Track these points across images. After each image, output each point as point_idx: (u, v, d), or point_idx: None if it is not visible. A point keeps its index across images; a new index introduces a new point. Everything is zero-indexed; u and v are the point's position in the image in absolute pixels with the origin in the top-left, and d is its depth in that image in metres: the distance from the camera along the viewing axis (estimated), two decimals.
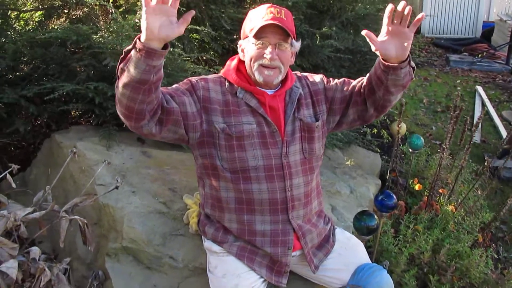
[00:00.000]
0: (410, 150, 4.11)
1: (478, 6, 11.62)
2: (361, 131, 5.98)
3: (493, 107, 7.69)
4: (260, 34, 2.15)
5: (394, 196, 2.97)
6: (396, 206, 3.12)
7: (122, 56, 1.86)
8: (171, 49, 3.11)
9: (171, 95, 2.11)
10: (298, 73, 2.50)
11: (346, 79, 2.48)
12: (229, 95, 2.28)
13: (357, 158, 4.55)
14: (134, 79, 1.81)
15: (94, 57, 3.24)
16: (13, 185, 2.16)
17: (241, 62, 2.33)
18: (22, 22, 4.05)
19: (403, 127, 4.24)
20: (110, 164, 2.94)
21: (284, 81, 2.33)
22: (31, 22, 4.13)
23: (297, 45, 2.27)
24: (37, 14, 4.31)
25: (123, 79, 1.85)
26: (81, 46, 3.24)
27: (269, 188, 2.24)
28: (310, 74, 2.53)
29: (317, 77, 2.49)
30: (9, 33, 3.67)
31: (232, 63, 2.34)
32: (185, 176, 3.01)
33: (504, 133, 6.64)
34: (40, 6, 4.25)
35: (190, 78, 2.28)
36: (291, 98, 2.35)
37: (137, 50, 1.78)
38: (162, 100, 2.02)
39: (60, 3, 4.15)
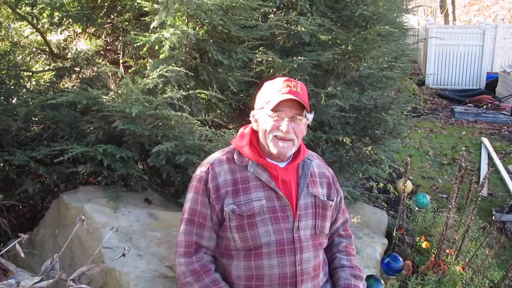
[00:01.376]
0: (416, 208, 4.11)
1: (481, 57, 11.78)
2: (367, 185, 6.00)
3: (500, 159, 7.70)
4: (277, 107, 2.21)
5: (401, 259, 2.96)
6: (403, 268, 3.11)
7: None
8: (179, 113, 3.18)
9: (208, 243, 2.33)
10: (315, 154, 2.57)
11: (341, 215, 2.61)
12: (237, 173, 2.30)
13: (364, 215, 4.55)
14: None
15: (103, 119, 3.31)
16: (22, 255, 2.17)
17: (253, 134, 2.37)
18: (34, 82, 4.15)
19: (409, 185, 4.26)
20: (117, 228, 2.95)
21: (296, 154, 2.37)
22: (42, 82, 4.23)
23: (310, 117, 2.32)
24: (48, 75, 4.42)
25: None
26: (92, 109, 3.31)
27: (279, 263, 2.24)
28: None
29: (331, 170, 2.57)
30: (21, 94, 3.77)
31: (245, 137, 2.37)
32: None
33: (511, 186, 6.62)
34: (52, 66, 4.37)
35: (198, 175, 2.34)
36: (304, 171, 2.38)
37: None
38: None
39: (72, 63, 4.27)
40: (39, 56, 4.44)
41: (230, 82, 3.61)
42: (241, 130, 2.43)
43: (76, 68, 4.30)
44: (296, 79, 4.33)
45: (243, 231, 2.24)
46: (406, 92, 5.62)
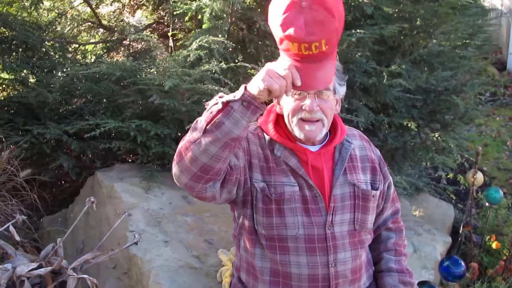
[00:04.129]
0: (487, 204, 3.60)
1: None
2: (435, 174, 5.45)
3: None
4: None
5: (463, 263, 2.54)
6: (465, 273, 2.67)
7: (214, 108, 1.58)
8: (218, 88, 2.86)
9: None
10: (359, 132, 2.15)
11: (390, 205, 2.18)
12: (267, 150, 1.95)
13: (427, 208, 4.08)
14: (230, 136, 1.56)
15: (140, 93, 3.05)
16: (17, 238, 1.94)
17: (280, 114, 2.01)
18: (80, 55, 3.96)
19: (480, 177, 3.74)
20: (146, 211, 2.69)
21: (333, 135, 1.98)
22: (89, 54, 4.04)
23: (342, 90, 1.93)
24: (98, 47, 4.23)
25: (213, 136, 1.56)
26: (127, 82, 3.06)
27: (309, 262, 1.88)
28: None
29: (378, 151, 2.16)
30: (65, 66, 3.58)
31: (270, 114, 2.02)
32: (225, 226, 2.71)
33: None
34: (100, 39, 4.17)
35: None
36: (342, 156, 1.99)
37: (244, 103, 1.55)
38: None
39: (120, 36, 4.05)
40: (87, 28, 4.23)
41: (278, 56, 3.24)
42: (268, 107, 2.06)
43: (125, 42, 4.07)
44: (357, 56, 3.96)
45: (269, 216, 1.89)
46: (481, 74, 5.04)
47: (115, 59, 4.03)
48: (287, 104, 1.88)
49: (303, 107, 1.83)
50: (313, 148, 1.94)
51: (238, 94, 1.56)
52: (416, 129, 4.28)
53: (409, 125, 4.27)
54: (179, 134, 2.98)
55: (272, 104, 2.04)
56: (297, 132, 1.88)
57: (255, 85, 1.53)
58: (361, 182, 2.00)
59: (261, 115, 1.99)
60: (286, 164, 1.92)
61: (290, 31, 1.53)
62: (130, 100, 3.07)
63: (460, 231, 3.95)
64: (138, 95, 3.06)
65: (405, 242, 2.23)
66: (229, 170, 1.76)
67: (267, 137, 1.97)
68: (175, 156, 1.67)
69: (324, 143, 1.97)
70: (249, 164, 1.90)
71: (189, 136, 1.61)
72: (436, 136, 4.21)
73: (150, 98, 3.01)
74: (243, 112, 1.55)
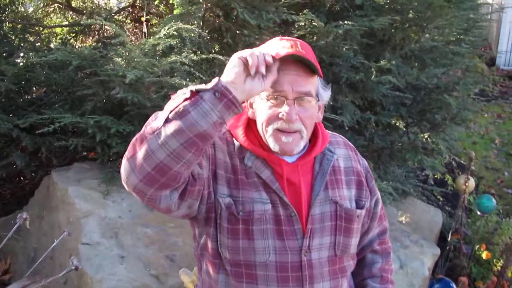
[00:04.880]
0: (479, 213, 3.30)
1: None
2: (423, 174, 5.12)
3: None
4: (273, 85, 1.48)
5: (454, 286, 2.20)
6: None
7: (180, 97, 1.31)
8: (187, 82, 2.50)
9: None
10: (343, 139, 1.82)
11: (376, 224, 1.85)
12: (236, 159, 1.61)
13: (414, 214, 3.78)
14: (196, 129, 1.28)
15: (101, 85, 2.68)
16: None
17: (252, 118, 1.66)
18: (44, 39, 3.55)
19: (471, 183, 3.43)
20: (102, 219, 2.34)
21: (313, 143, 1.65)
22: (56, 40, 3.64)
23: (326, 96, 1.59)
24: (66, 31, 3.83)
25: (175, 126, 1.28)
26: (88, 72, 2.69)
27: None
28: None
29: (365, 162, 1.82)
30: (24, 51, 3.18)
31: (241, 117, 1.66)
32: (191, 239, 2.35)
33: None
34: (68, 22, 3.78)
35: None
36: (322, 168, 1.66)
37: (216, 94, 1.30)
38: None
39: (89, 19, 3.65)
40: (56, 10, 3.83)
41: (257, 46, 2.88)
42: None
43: (93, 26, 3.68)
44: (344, 49, 3.61)
45: (235, 239, 1.56)
46: (474, 71, 4.71)
47: (81, 45, 3.65)
48: (261, 109, 1.54)
49: (280, 115, 1.49)
50: (290, 159, 1.60)
51: (210, 84, 1.31)
52: (404, 129, 3.95)
53: (397, 124, 3.95)
54: None
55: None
56: (271, 144, 1.54)
57: (228, 67, 1.35)
58: (344, 200, 1.67)
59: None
60: (258, 176, 1.59)
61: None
62: (91, 92, 2.70)
63: (449, 238, 3.64)
64: (99, 87, 2.69)
65: (392, 267, 1.90)
66: (191, 180, 1.43)
67: (236, 143, 1.63)
68: (126, 152, 1.35)
69: (302, 153, 1.63)
70: (213, 175, 1.56)
71: (147, 127, 1.32)
72: (426, 136, 3.89)
73: (113, 90, 2.64)
74: (214, 103, 1.29)
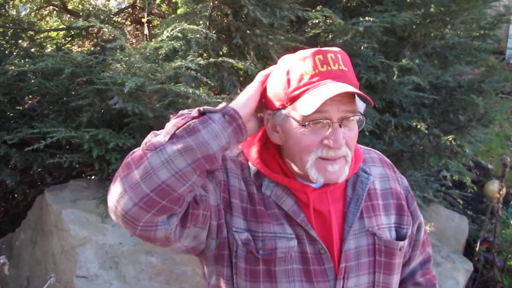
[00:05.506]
0: None
1: None
2: (439, 175, 4.77)
3: None
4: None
5: None
6: None
7: (186, 116, 1.14)
8: (193, 90, 2.18)
9: None
10: (379, 155, 1.50)
11: (419, 252, 1.52)
12: (253, 186, 1.30)
13: (438, 222, 3.45)
14: (206, 149, 1.11)
15: (98, 94, 2.36)
16: None
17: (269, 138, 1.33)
18: (39, 45, 3.23)
19: (504, 190, 3.10)
20: (100, 247, 2.02)
21: None
22: (51, 46, 3.32)
23: (362, 107, 1.27)
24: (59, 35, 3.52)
25: (183, 143, 1.10)
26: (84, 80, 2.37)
27: None
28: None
29: (405, 180, 1.49)
30: (15, 57, 2.86)
31: (256, 136, 1.34)
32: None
33: None
34: (64, 25, 3.46)
35: None
36: (356, 193, 1.34)
37: (226, 117, 1.15)
38: None
39: (86, 22, 3.33)
40: (51, 13, 3.52)
41: (271, 48, 2.56)
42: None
43: (91, 29, 3.36)
44: (361, 48, 3.28)
45: (255, 281, 1.27)
46: (485, 67, 4.35)
47: (78, 51, 3.34)
48: (296, 135, 1.22)
49: (325, 142, 1.19)
50: (316, 184, 1.29)
51: (218, 107, 1.17)
52: (426, 131, 3.62)
53: (418, 126, 3.62)
54: None
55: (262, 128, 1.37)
56: (314, 175, 1.23)
57: (242, 94, 1.23)
58: (383, 229, 1.36)
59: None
60: (279, 207, 1.28)
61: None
62: (86, 102, 2.38)
63: (477, 248, 3.32)
64: (96, 97, 2.38)
65: None
66: (192, 203, 1.17)
67: (252, 168, 1.31)
68: (117, 173, 1.13)
69: None
70: (227, 204, 1.27)
71: (146, 144, 1.12)
72: (449, 139, 3.55)
73: (111, 100, 2.33)
74: (224, 126, 1.13)
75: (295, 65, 1.21)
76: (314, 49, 1.21)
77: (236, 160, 1.33)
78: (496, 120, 3.54)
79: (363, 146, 1.46)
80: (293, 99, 1.20)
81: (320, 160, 1.20)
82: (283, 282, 1.26)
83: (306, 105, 1.16)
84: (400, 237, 1.39)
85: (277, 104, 1.23)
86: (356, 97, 1.23)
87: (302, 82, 1.19)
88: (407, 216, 1.43)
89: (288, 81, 1.20)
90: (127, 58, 2.30)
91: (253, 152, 1.31)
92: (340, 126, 1.19)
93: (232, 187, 1.27)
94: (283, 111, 1.22)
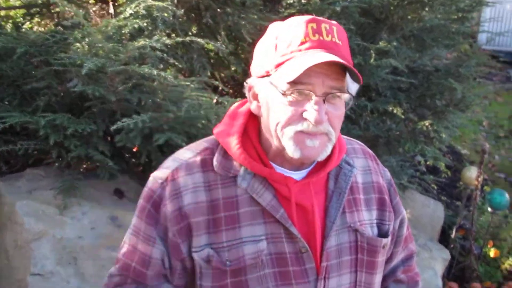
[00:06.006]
0: (490, 209, 2.88)
1: None
2: (413, 159, 4.68)
3: None
4: (299, 77, 1.04)
5: None
6: None
7: None
8: (159, 72, 2.00)
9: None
10: (361, 146, 1.37)
11: (401, 249, 1.41)
12: (218, 190, 1.16)
13: (414, 209, 3.36)
14: None
15: (56, 76, 2.17)
16: None
17: (251, 119, 1.20)
18: None
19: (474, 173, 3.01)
20: (57, 241, 1.85)
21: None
22: (8, 24, 3.08)
23: (354, 89, 1.15)
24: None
25: None
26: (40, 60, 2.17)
27: None
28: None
29: (388, 173, 1.37)
30: None
31: (236, 122, 1.20)
32: None
33: None
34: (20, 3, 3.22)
35: (148, 189, 1.21)
36: (339, 186, 1.22)
37: None
38: None
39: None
40: None
41: (243, 28, 2.39)
42: (232, 107, 1.26)
43: (53, 6, 3.12)
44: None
45: None
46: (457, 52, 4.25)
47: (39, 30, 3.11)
48: (276, 105, 1.10)
49: (305, 115, 1.06)
50: (297, 175, 1.16)
51: None
52: (402, 116, 3.51)
53: (394, 111, 3.51)
54: (111, 129, 2.10)
55: (242, 101, 1.24)
56: (290, 149, 1.10)
57: None
58: (365, 225, 1.23)
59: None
60: (254, 203, 1.14)
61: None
62: (43, 85, 2.18)
63: (453, 235, 3.24)
64: (54, 79, 2.17)
65: None
66: None
67: (219, 161, 1.17)
68: None
69: (312, 166, 1.18)
70: (182, 230, 1.15)
71: None
72: (426, 124, 3.44)
73: (70, 83, 2.13)
74: None
75: (285, 30, 1.09)
76: (309, 16, 1.10)
77: (194, 163, 1.18)
78: (474, 105, 3.43)
79: (345, 136, 1.33)
80: (278, 66, 1.08)
81: (299, 133, 1.07)
82: None
83: (289, 72, 1.04)
84: (382, 234, 1.27)
85: (262, 71, 1.12)
86: (348, 77, 1.10)
87: (290, 49, 1.07)
88: (389, 212, 1.30)
89: (276, 47, 1.09)
90: (87, 38, 2.10)
91: (232, 139, 1.16)
92: (324, 102, 1.06)
93: (188, 209, 1.13)
94: (267, 79, 1.10)
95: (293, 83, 1.05)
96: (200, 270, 1.14)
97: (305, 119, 1.07)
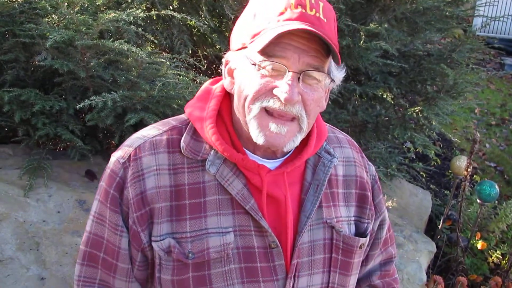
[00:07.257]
0: (479, 201, 2.78)
1: None
2: (404, 147, 4.58)
3: None
4: (272, 48, 0.96)
5: None
6: None
7: None
8: (131, 47, 1.86)
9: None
10: (346, 137, 1.26)
11: (379, 251, 1.31)
12: (183, 174, 1.06)
13: (401, 198, 3.26)
14: None
15: (24, 48, 2.02)
16: None
17: (226, 99, 1.09)
18: None
19: (464, 164, 2.91)
20: (19, 225, 1.73)
21: (304, 142, 1.10)
22: None
23: (339, 77, 1.04)
24: None
25: None
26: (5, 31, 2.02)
27: None
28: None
29: (373, 168, 1.26)
30: None
31: (210, 102, 1.10)
32: None
33: None
34: None
35: (109, 169, 1.11)
36: (317, 177, 1.13)
37: None
38: None
39: None
40: None
41: (226, 4, 2.25)
42: (205, 85, 1.14)
43: None
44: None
45: None
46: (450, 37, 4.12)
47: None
48: (248, 79, 1.01)
49: (275, 91, 0.97)
50: (271, 164, 1.06)
51: None
52: (392, 101, 3.39)
53: (384, 96, 3.39)
54: (81, 106, 1.96)
55: (215, 78, 1.13)
56: (254, 131, 1.01)
57: None
58: (342, 222, 1.13)
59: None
60: (223, 191, 1.04)
61: None
62: (10, 57, 2.03)
63: (440, 226, 3.15)
64: (21, 52, 2.03)
65: None
66: None
67: (186, 143, 1.05)
68: None
69: (289, 154, 1.08)
70: (143, 216, 1.05)
71: None
72: (416, 110, 3.33)
73: (38, 56, 1.99)
74: None
75: (266, 1, 1.00)
76: None
77: (160, 142, 1.07)
78: (465, 91, 3.31)
79: (330, 125, 1.22)
80: (253, 37, 0.99)
81: (264, 113, 0.98)
82: (219, 287, 1.02)
83: (261, 41, 0.95)
84: (359, 233, 1.17)
85: (239, 43, 1.03)
86: (332, 63, 1.00)
87: (268, 20, 0.98)
88: (369, 210, 1.21)
89: (254, 16, 1.00)
90: (55, 9, 1.96)
91: (205, 121, 1.06)
92: (299, 80, 0.95)
93: (150, 193, 1.03)
94: (243, 52, 1.01)
95: (268, 55, 0.94)
96: (159, 261, 1.04)
97: (275, 96, 0.95)
